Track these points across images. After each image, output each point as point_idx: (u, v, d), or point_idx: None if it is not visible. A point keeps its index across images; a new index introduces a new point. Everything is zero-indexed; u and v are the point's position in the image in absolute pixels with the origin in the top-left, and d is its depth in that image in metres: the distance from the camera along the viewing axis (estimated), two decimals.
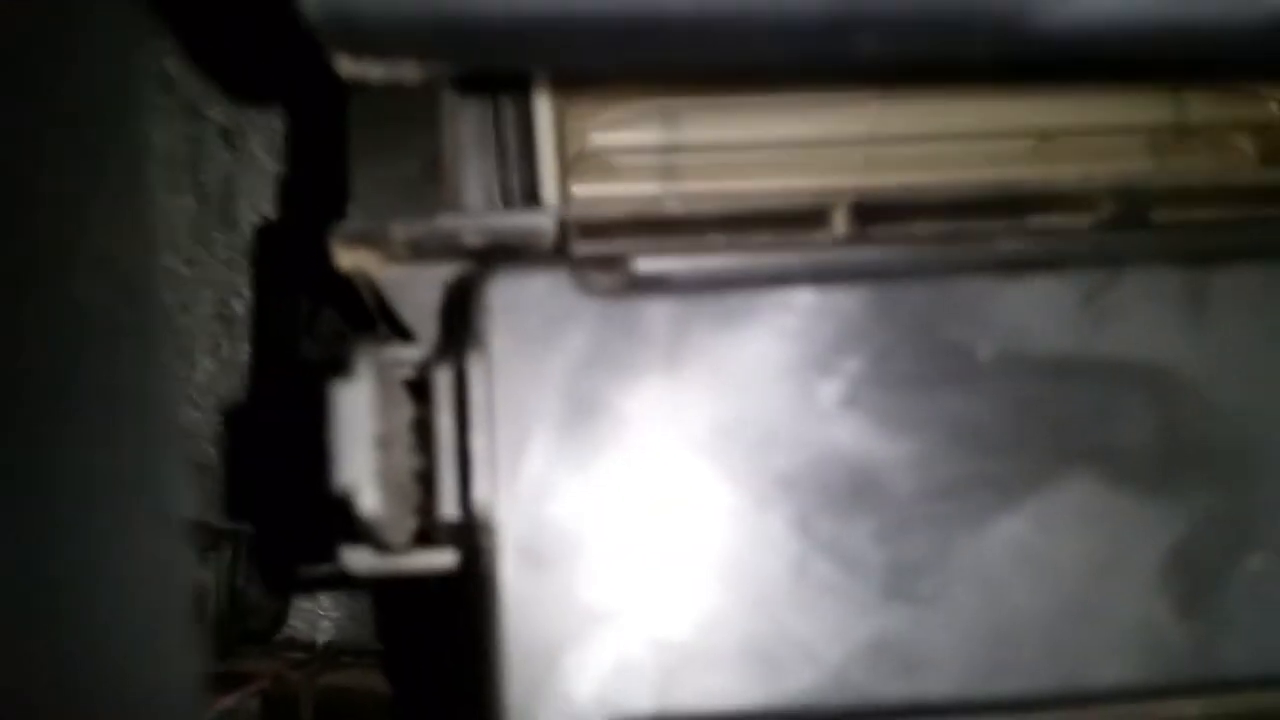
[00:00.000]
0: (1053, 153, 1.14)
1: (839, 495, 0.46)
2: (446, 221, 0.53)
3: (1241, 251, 0.49)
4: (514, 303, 0.47)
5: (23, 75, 0.54)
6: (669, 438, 0.47)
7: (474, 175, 0.96)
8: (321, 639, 1.19)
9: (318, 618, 1.26)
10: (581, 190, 1.11)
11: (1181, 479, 0.47)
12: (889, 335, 0.47)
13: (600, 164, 1.14)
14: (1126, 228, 0.51)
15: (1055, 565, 0.46)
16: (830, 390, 0.47)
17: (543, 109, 0.98)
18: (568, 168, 1.10)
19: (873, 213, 0.55)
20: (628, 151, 1.12)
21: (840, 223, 0.56)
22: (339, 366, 0.46)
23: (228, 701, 0.99)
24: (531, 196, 0.97)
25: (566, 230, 0.54)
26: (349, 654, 1.05)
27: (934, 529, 0.46)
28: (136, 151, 0.54)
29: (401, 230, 0.54)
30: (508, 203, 0.94)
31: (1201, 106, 1.12)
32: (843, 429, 0.47)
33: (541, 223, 0.53)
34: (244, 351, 1.33)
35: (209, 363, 1.34)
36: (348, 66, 0.45)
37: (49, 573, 0.52)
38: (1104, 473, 0.47)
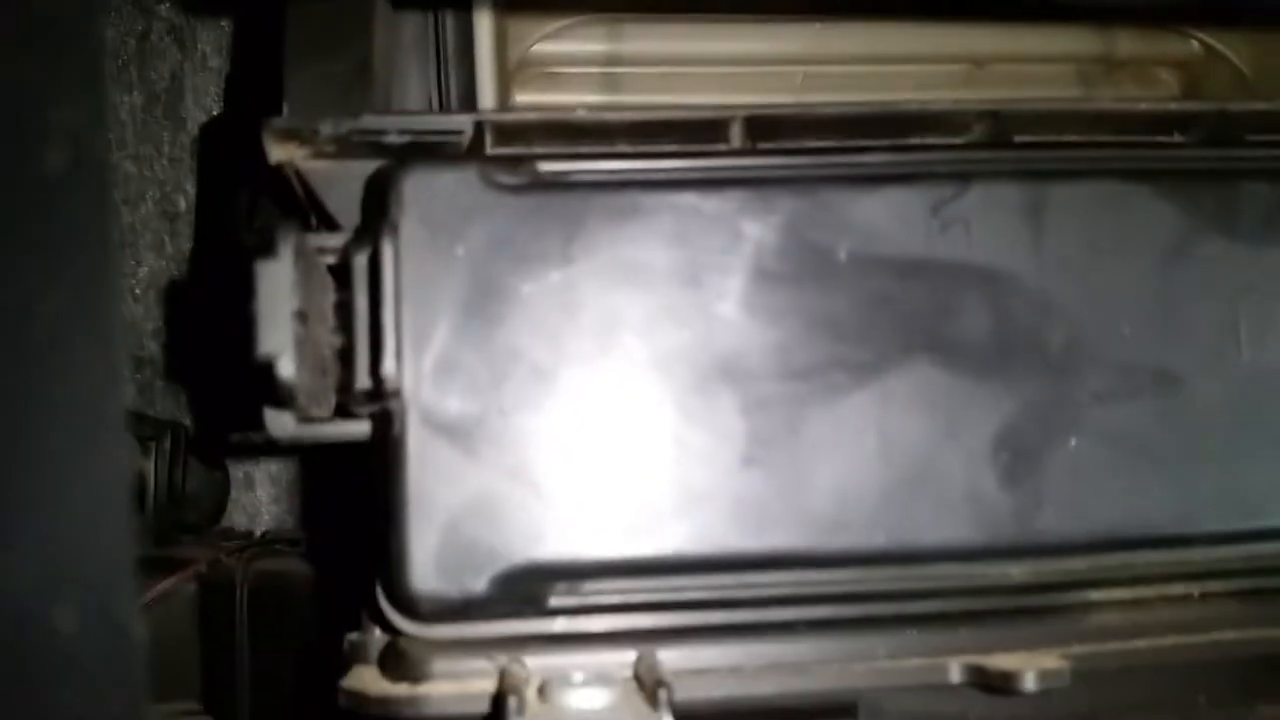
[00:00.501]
0: (985, 79, 1.21)
1: (711, 376, 0.54)
2: (370, 121, 0.59)
3: (1076, 171, 0.57)
4: (426, 195, 0.53)
5: None
6: (562, 320, 0.54)
7: (413, 78, 1.02)
8: (259, 531, 1.27)
9: (257, 511, 1.34)
10: (522, 99, 1.17)
11: (1013, 368, 0.56)
12: (764, 238, 0.55)
13: (541, 73, 1.19)
14: (986, 147, 0.59)
15: (895, 439, 0.54)
16: (710, 285, 0.55)
17: (483, 15, 1.04)
18: (509, 76, 1.15)
19: (766, 127, 0.62)
20: (570, 62, 1.18)
21: (736, 136, 0.63)
22: (264, 248, 0.52)
23: (165, 585, 1.07)
24: (469, 102, 1.03)
25: (483, 133, 0.60)
26: (284, 542, 1.12)
27: (791, 405, 0.54)
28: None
29: (329, 127, 0.60)
30: (444, 107, 1.00)
31: (1128, 41, 1.19)
32: (718, 319, 0.55)
33: (458, 123, 0.60)
34: (186, 247, 1.38)
35: (153, 258, 1.39)
36: None
37: None
38: (943, 360, 0.55)
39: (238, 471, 1.34)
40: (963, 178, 0.56)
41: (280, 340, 0.51)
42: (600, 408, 0.54)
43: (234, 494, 1.31)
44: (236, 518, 1.36)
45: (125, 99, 1.42)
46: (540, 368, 0.54)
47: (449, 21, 0.98)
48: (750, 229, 0.55)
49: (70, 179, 0.40)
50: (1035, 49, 1.19)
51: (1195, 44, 1.16)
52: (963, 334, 0.55)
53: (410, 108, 0.96)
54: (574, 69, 1.16)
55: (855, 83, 1.18)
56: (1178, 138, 0.66)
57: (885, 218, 0.55)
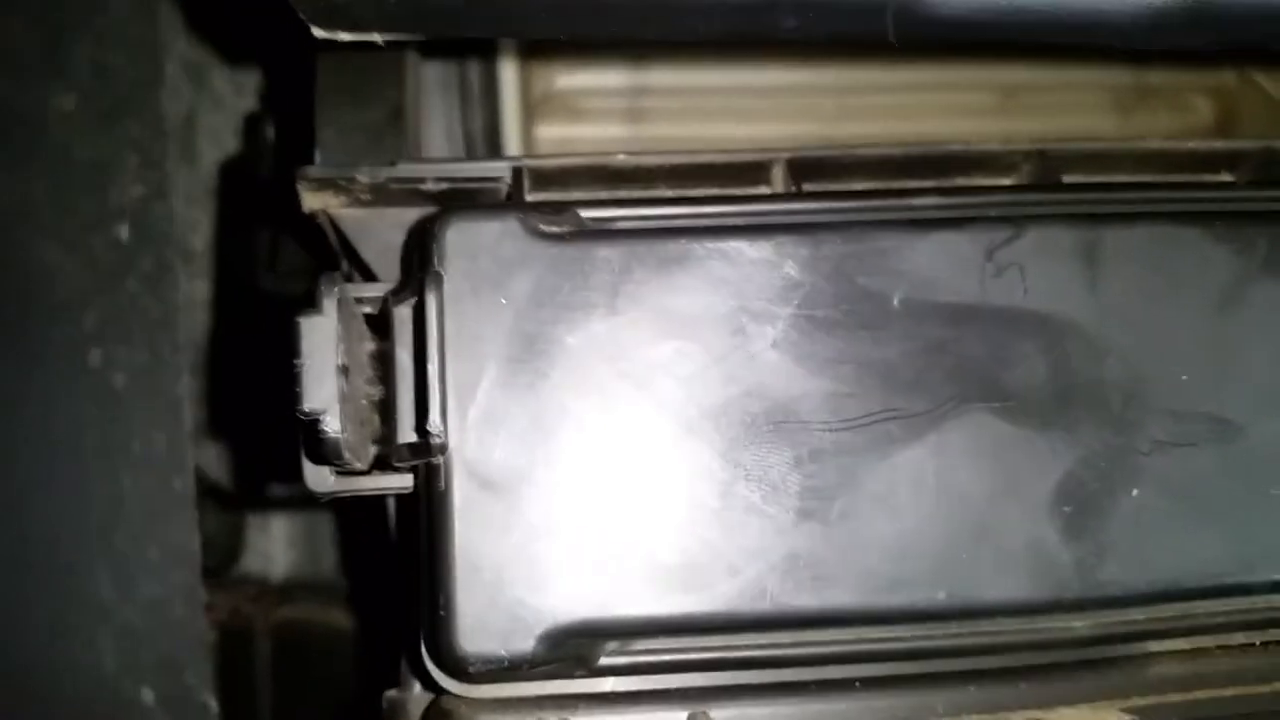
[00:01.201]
0: (1016, 108, 1.21)
1: (762, 427, 0.55)
2: (407, 168, 0.60)
3: (1129, 213, 0.57)
4: (469, 245, 0.54)
5: None
6: (609, 372, 0.55)
7: (437, 118, 1.03)
8: (275, 576, 1.27)
9: (271, 556, 1.34)
10: (546, 132, 1.18)
11: (1071, 417, 0.56)
12: (812, 283, 0.55)
13: (566, 106, 1.20)
14: (1037, 189, 0.59)
15: (952, 491, 0.54)
16: (757, 332, 0.55)
17: (507, 52, 1.05)
18: (532, 110, 1.16)
19: (808, 169, 0.63)
20: (594, 94, 1.19)
21: (778, 178, 0.64)
22: (306, 301, 0.53)
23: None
24: (493, 139, 1.04)
25: (521, 178, 0.61)
26: (304, 589, 1.12)
27: (845, 457, 0.54)
28: None
29: (366, 175, 0.61)
30: (470, 145, 1.01)
31: (1162, 69, 1.19)
32: (767, 368, 0.55)
33: (497, 170, 0.61)
34: (202, 288, 1.39)
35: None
36: (320, 33, 0.52)
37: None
38: (1001, 409, 0.55)
39: (253, 515, 1.34)
40: (1015, 221, 0.56)
41: (326, 396, 0.52)
42: (648, 461, 0.55)
43: (248, 538, 1.31)
44: (251, 562, 1.35)
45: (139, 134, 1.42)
46: (586, 421, 0.54)
47: (473, 61, 0.99)
48: (798, 275, 0.55)
49: (134, 248, 0.40)
50: (1067, 78, 1.19)
51: (1227, 72, 1.17)
52: (1020, 382, 0.56)
53: (435, 147, 0.98)
54: (598, 102, 1.16)
55: (886, 112, 1.18)
56: (1225, 176, 0.66)
57: (938, 263, 0.55)
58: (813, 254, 0.55)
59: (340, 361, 0.52)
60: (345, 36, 0.52)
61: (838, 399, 0.55)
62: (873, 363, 0.55)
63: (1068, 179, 0.62)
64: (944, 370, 0.55)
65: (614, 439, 0.55)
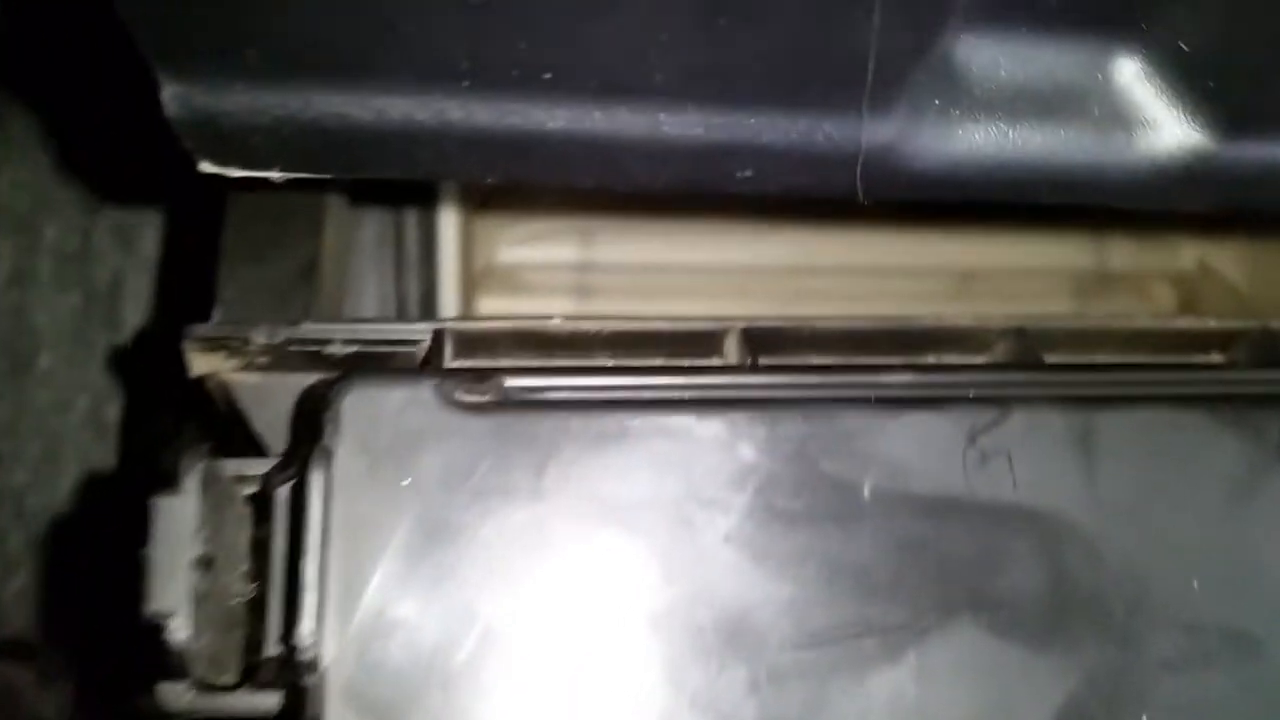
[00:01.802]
0: (974, 291, 1.18)
1: (711, 640, 0.45)
2: (311, 329, 0.52)
3: (1126, 395, 0.50)
4: (369, 415, 0.46)
5: None
6: (531, 570, 0.46)
7: (370, 283, 0.96)
8: None
9: None
10: (488, 305, 1.12)
11: (1070, 631, 0.48)
12: (771, 468, 0.47)
13: (510, 279, 1.15)
14: (1020, 368, 0.53)
15: None
16: (707, 524, 0.47)
17: (448, 218, 1.00)
18: (474, 281, 1.11)
19: (765, 342, 0.56)
20: (540, 269, 1.14)
21: (732, 350, 0.57)
22: (165, 479, 0.44)
23: None
24: (429, 308, 0.98)
25: (442, 343, 0.54)
26: None
27: (811, 680, 0.45)
28: None
29: (262, 335, 0.53)
30: (402, 312, 0.94)
31: (1123, 255, 1.18)
32: (718, 567, 0.46)
33: (414, 332, 0.53)
34: (111, 463, 1.28)
35: (75, 470, 1.29)
36: (208, 167, 0.45)
37: None
38: (990, 622, 0.47)
39: None
40: (999, 403, 0.49)
41: (175, 595, 0.42)
42: (574, 680, 0.45)
43: None
44: None
45: (63, 299, 1.35)
46: (500, 630, 0.45)
47: (412, 222, 0.94)
48: (755, 457, 0.47)
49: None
50: (1027, 262, 1.17)
51: (1187, 259, 1.16)
52: (1012, 589, 0.47)
53: (366, 311, 0.91)
54: (544, 276, 1.12)
55: (840, 295, 1.15)
56: (1216, 357, 0.61)
57: (914, 448, 0.48)
58: (771, 434, 0.48)
59: (200, 553, 0.43)
60: (237, 173, 0.45)
61: (802, 607, 0.46)
62: (842, 564, 0.46)
63: (1050, 359, 0.56)
64: (925, 574, 0.47)
65: (534, 654, 0.45)
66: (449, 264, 0.99)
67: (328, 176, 0.45)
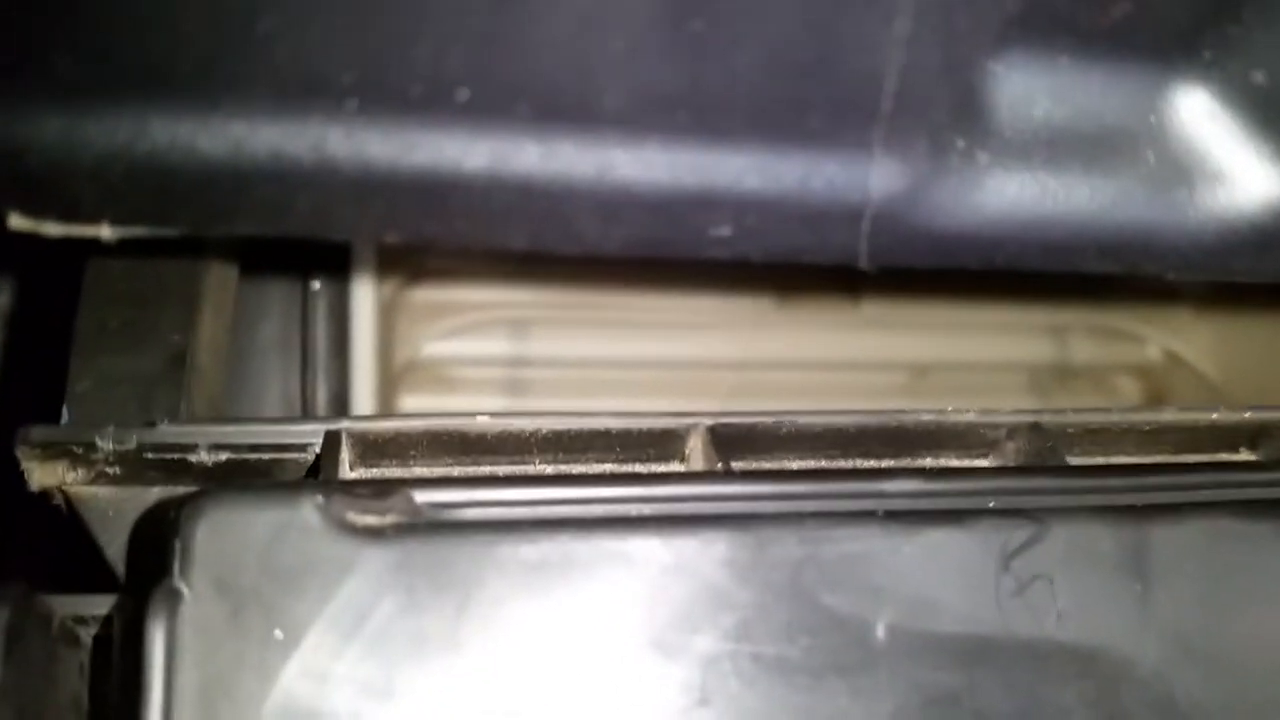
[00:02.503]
0: (928, 388, 1.11)
1: None
2: (170, 430, 0.41)
3: (1176, 503, 0.41)
4: (230, 543, 0.34)
5: None
6: None
7: (271, 384, 0.85)
8: None
9: None
10: (411, 403, 1.01)
11: None
12: (758, 604, 0.37)
13: (435, 376, 1.04)
14: (1047, 473, 0.43)
15: None
16: (678, 677, 0.36)
17: (363, 301, 0.89)
18: (394, 380, 0.99)
19: (735, 442, 0.46)
20: (469, 363, 1.04)
21: (696, 453, 0.47)
22: None
23: None
24: (341, 411, 0.86)
25: (337, 448, 0.43)
26: None
27: None
28: None
29: (109, 439, 0.41)
30: (308, 418, 0.83)
31: (1084, 346, 1.12)
32: None
33: (300, 435, 0.42)
34: None
35: None
36: (18, 220, 0.34)
37: None
38: None
39: None
40: (1032, 515, 0.40)
41: None
42: None
43: None
44: None
45: None
46: None
47: (320, 306, 0.83)
48: (737, 592, 0.37)
49: None
50: (983, 355, 1.11)
51: (1154, 349, 1.10)
52: None
53: (259, 414, 0.79)
54: (472, 371, 1.02)
55: (787, 389, 1.07)
56: (1246, 454, 0.53)
57: (935, 575, 0.38)
58: (756, 559, 0.37)
59: (21, 707, 0.31)
60: (55, 230, 0.34)
61: None
62: None
63: (1073, 460, 0.47)
64: None
65: None
66: (365, 359, 0.88)
67: (175, 234, 0.35)
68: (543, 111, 0.31)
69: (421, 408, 1.01)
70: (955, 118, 0.32)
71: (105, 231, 0.34)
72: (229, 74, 0.30)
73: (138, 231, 0.34)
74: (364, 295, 0.84)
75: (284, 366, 0.84)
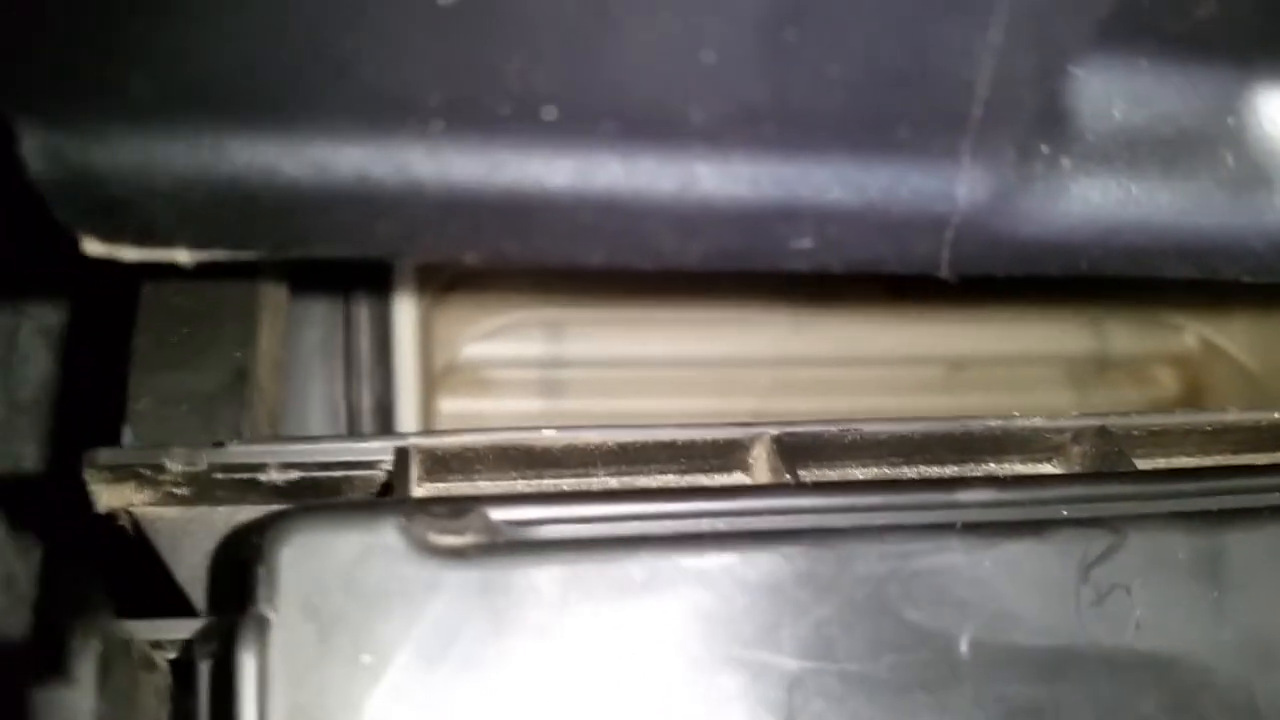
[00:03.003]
0: (964, 383, 1.10)
1: None
2: (241, 450, 0.41)
3: (1250, 508, 0.41)
4: (316, 567, 0.34)
5: None
6: None
7: (315, 391, 0.85)
8: None
9: None
10: (450, 406, 1.01)
11: None
12: (839, 620, 0.37)
13: (473, 379, 1.04)
14: (1120, 479, 0.43)
15: None
16: (765, 696, 0.36)
17: (404, 310, 0.89)
18: (434, 382, 1.00)
19: (801, 451, 0.46)
20: (506, 365, 1.04)
21: (760, 462, 0.47)
22: (47, 658, 0.32)
23: None
24: (385, 418, 0.86)
25: (406, 464, 0.43)
26: None
27: None
28: None
29: (179, 460, 0.41)
30: (355, 426, 0.83)
31: (1123, 338, 1.11)
32: None
33: (372, 452, 0.42)
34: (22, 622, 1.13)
35: None
36: (94, 246, 0.34)
37: None
38: None
39: None
40: (1109, 524, 0.39)
41: None
42: None
43: None
44: None
45: None
46: None
47: (363, 317, 0.83)
48: (820, 608, 0.37)
49: None
50: (1020, 348, 1.10)
51: (1190, 339, 1.09)
52: None
53: (311, 425, 0.79)
54: (509, 373, 1.02)
55: (824, 386, 1.07)
56: None
57: (1017, 586, 0.37)
58: (838, 575, 0.37)
59: None
60: (132, 254, 0.34)
61: None
62: None
63: (1138, 463, 0.47)
64: None
65: None
66: (407, 364, 0.88)
67: (254, 258, 0.34)
68: (628, 128, 0.30)
69: (459, 410, 1.02)
70: (1041, 124, 0.32)
71: (183, 256, 0.34)
72: (312, 95, 0.30)
73: (216, 255, 0.34)
74: (406, 302, 0.85)
75: (328, 374, 0.84)
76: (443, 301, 0.97)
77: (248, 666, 0.32)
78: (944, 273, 0.35)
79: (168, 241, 0.33)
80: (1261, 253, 0.36)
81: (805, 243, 0.33)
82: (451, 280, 0.95)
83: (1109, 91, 0.33)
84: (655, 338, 1.05)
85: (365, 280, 0.84)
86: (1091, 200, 0.34)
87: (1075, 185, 0.34)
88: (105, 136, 0.30)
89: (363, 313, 0.85)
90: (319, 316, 0.84)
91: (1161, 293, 1.07)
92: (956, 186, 0.32)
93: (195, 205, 0.31)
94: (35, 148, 0.30)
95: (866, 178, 0.32)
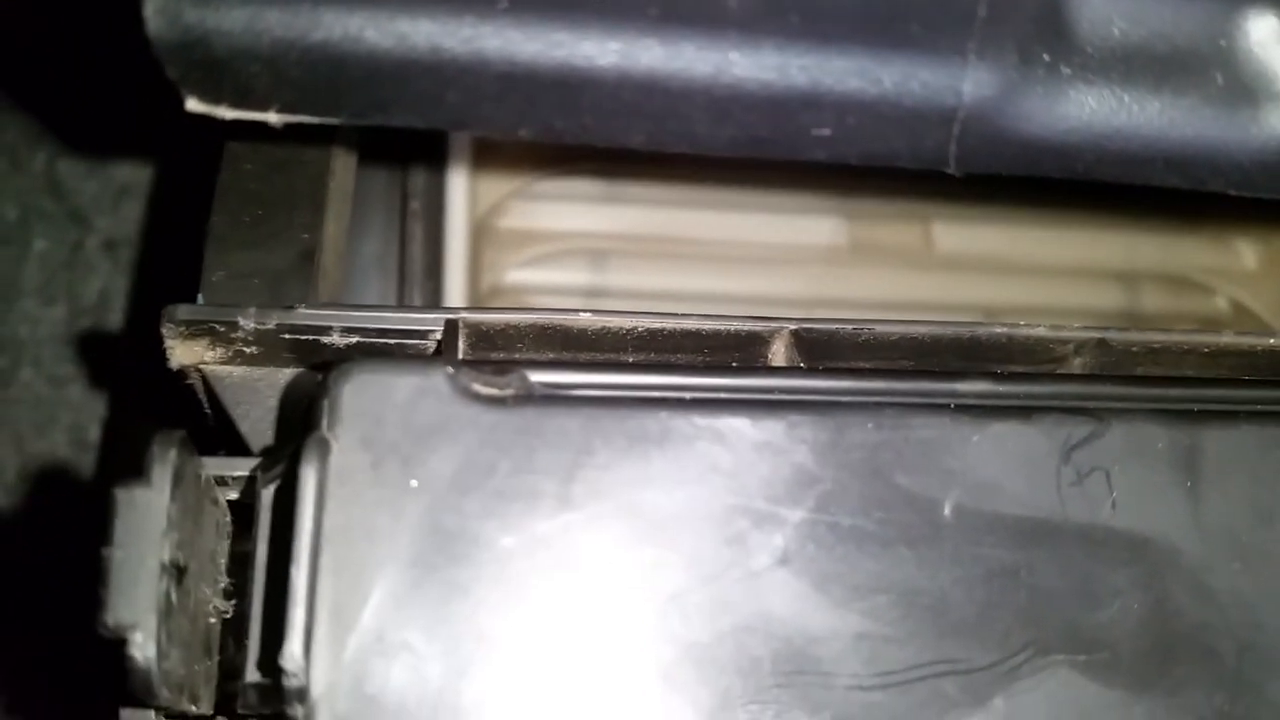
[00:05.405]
0: None
1: (767, 678, 0.38)
2: (306, 314, 0.46)
3: (1232, 411, 0.44)
4: (373, 404, 0.39)
5: None
6: (557, 590, 0.39)
7: (370, 296, 0.90)
8: None
9: None
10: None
11: (1175, 674, 0.41)
12: (835, 479, 0.41)
13: (516, 301, 1.09)
14: (1113, 380, 0.46)
15: None
16: (761, 542, 0.40)
17: (456, 232, 0.94)
18: (479, 302, 1.04)
19: (817, 346, 0.50)
20: (549, 291, 1.08)
21: (779, 355, 0.50)
22: (131, 470, 0.37)
23: None
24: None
25: (455, 335, 0.47)
26: None
27: None
28: None
29: (251, 320, 0.46)
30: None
31: (1153, 295, 1.13)
32: (775, 591, 0.39)
33: (424, 322, 0.46)
34: (92, 482, 1.21)
35: (54, 489, 1.22)
36: (196, 104, 0.38)
37: None
38: (1087, 663, 0.40)
39: None
40: (1094, 414, 0.43)
41: (140, 605, 0.35)
42: None
43: None
44: None
45: (47, 313, 1.29)
46: (520, 658, 0.38)
47: (418, 238, 0.88)
48: (817, 467, 0.41)
49: None
50: (1053, 300, 1.12)
51: (1222, 300, 1.11)
52: (1111, 627, 0.40)
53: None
54: (552, 299, 1.06)
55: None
56: None
57: (1001, 462, 0.41)
58: (835, 440, 0.41)
59: (169, 557, 0.36)
60: (229, 113, 0.39)
61: (872, 643, 0.39)
62: (919, 593, 0.39)
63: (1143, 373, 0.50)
64: (1014, 608, 0.40)
65: (558, 688, 0.38)
66: (456, 282, 0.93)
67: (335, 122, 0.39)
68: (669, 13, 0.34)
69: None
70: (1042, 32, 0.35)
71: (273, 117, 0.38)
72: None
73: (303, 118, 0.38)
74: (458, 221, 0.89)
75: (382, 286, 0.89)
76: (492, 224, 1.01)
77: (309, 480, 0.37)
78: (951, 168, 0.38)
79: (262, 103, 0.37)
80: (1246, 168, 0.39)
81: (825, 130, 0.37)
82: (501, 203, 1.00)
83: (1108, 10, 0.36)
84: (694, 273, 1.08)
85: (422, 196, 0.89)
86: (1088, 107, 0.37)
87: (1074, 91, 0.37)
88: (215, 4, 0.34)
89: (417, 230, 0.90)
90: (378, 229, 0.89)
91: (1194, 253, 1.08)
92: (963, 82, 0.35)
93: (289, 69, 0.36)
94: (156, 8, 0.35)
95: (881, 70, 0.36)
